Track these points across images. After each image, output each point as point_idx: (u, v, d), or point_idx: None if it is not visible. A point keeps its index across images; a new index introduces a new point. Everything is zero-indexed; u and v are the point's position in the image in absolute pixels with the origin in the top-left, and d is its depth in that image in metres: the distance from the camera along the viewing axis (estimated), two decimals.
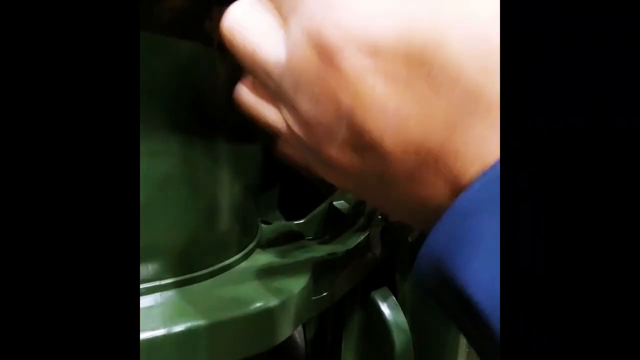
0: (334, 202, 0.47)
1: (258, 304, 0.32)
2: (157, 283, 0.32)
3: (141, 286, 0.31)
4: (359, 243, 0.41)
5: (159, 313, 0.30)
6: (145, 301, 0.31)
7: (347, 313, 0.50)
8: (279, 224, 0.47)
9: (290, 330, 0.35)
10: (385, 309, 0.48)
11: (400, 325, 0.48)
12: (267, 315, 0.32)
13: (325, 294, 0.41)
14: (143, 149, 0.29)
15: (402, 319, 0.49)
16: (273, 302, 0.33)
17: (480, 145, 0.19)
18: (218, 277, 0.35)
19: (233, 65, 0.28)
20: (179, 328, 0.29)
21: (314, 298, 0.39)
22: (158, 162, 0.30)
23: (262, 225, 0.45)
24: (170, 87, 0.30)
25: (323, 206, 0.48)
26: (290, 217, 0.48)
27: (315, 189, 0.52)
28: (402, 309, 0.48)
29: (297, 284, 0.36)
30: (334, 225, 0.47)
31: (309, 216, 0.48)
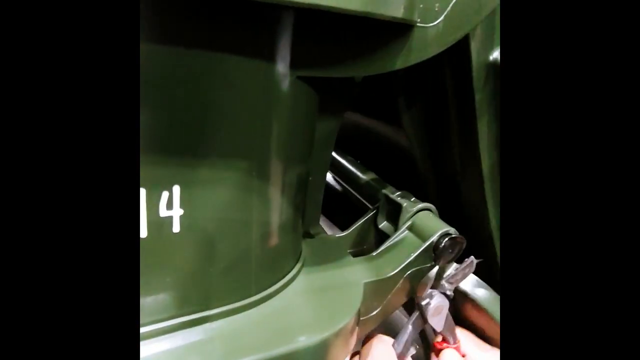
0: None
1: (309, 336, 0.30)
2: (204, 314, 0.31)
3: (188, 317, 0.30)
4: (413, 259, 0.39)
5: (210, 350, 0.28)
6: (193, 334, 0.30)
7: None
8: (322, 237, 0.45)
9: (343, 358, 0.34)
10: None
11: None
12: (320, 348, 0.31)
13: (374, 312, 0.39)
14: (202, 177, 0.28)
15: None
16: (325, 333, 0.31)
17: None
18: (266, 303, 0.33)
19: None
20: None
21: (362, 318, 0.38)
22: (213, 190, 0.29)
23: (306, 239, 0.43)
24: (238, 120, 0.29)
25: (365, 219, 0.46)
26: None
27: (357, 202, 0.50)
28: None
29: (348, 310, 0.34)
30: (379, 240, 0.45)
31: (351, 229, 0.46)
